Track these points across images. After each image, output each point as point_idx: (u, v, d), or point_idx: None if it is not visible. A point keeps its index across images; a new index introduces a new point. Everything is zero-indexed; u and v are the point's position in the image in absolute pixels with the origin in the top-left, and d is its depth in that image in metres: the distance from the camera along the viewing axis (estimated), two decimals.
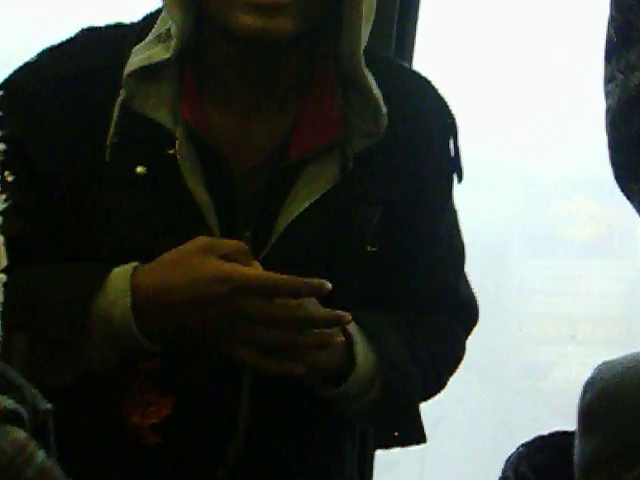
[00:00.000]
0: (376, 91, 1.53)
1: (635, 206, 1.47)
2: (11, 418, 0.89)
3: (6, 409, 0.89)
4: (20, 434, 0.88)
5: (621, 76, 1.46)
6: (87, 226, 1.53)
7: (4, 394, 0.90)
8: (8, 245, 1.23)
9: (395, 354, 1.57)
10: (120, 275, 1.45)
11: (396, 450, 1.82)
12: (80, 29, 1.62)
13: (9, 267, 1.21)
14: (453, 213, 1.68)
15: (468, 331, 1.68)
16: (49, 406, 0.94)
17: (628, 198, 1.47)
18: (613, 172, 1.49)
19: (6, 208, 1.25)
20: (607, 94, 1.48)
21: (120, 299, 1.45)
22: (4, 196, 1.27)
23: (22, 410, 0.91)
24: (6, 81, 1.56)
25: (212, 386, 1.54)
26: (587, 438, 1.71)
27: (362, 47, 1.55)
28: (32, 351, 1.45)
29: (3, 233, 1.23)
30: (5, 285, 1.24)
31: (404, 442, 1.64)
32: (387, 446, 1.71)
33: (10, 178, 1.36)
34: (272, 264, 1.49)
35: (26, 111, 1.55)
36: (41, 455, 0.88)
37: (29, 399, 0.93)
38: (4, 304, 1.22)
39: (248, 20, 1.47)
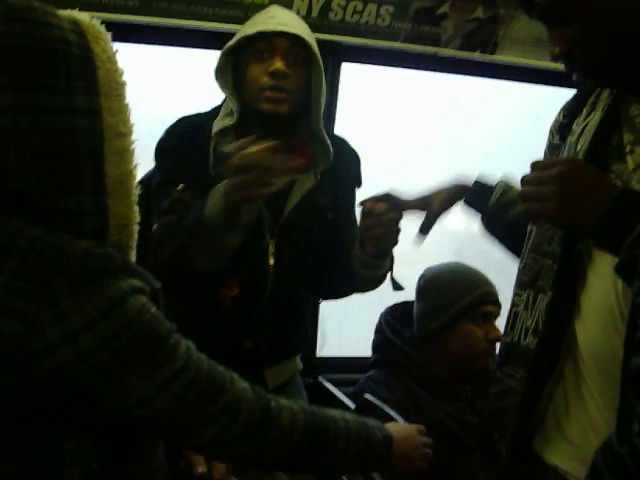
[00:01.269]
0: (328, 142, 1.67)
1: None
2: (139, 291, 0.91)
3: (137, 286, 0.90)
4: (143, 298, 0.91)
5: None
6: None
7: (135, 278, 0.91)
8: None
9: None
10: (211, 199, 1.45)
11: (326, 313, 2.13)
12: (182, 116, 1.69)
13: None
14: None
15: None
16: (159, 285, 0.95)
17: None
18: None
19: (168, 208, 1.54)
20: None
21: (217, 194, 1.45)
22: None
23: (145, 286, 0.92)
24: (159, 141, 1.65)
25: (255, 282, 1.65)
26: (418, 303, 1.93)
27: (321, 118, 1.66)
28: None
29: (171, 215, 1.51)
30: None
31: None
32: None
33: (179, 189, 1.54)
34: (285, 230, 1.64)
35: (167, 153, 1.63)
36: (154, 309, 0.91)
37: (150, 281, 0.93)
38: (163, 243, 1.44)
39: (267, 106, 1.57)
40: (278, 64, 1.55)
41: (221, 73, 1.60)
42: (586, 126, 1.16)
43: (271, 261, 1.66)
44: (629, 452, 0.75)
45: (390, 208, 1.51)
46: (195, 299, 1.64)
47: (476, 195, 1.44)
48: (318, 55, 1.61)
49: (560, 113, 1.28)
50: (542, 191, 0.99)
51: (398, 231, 1.55)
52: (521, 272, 1.23)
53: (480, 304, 1.86)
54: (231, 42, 1.58)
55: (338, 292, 1.81)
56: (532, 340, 1.16)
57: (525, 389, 1.16)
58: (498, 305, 1.88)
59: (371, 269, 1.63)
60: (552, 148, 1.27)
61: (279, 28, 1.56)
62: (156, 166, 1.65)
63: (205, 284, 1.60)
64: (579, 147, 1.15)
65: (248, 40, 1.57)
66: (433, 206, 1.46)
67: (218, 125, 1.63)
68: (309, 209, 1.68)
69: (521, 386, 1.17)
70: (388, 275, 1.68)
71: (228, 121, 1.62)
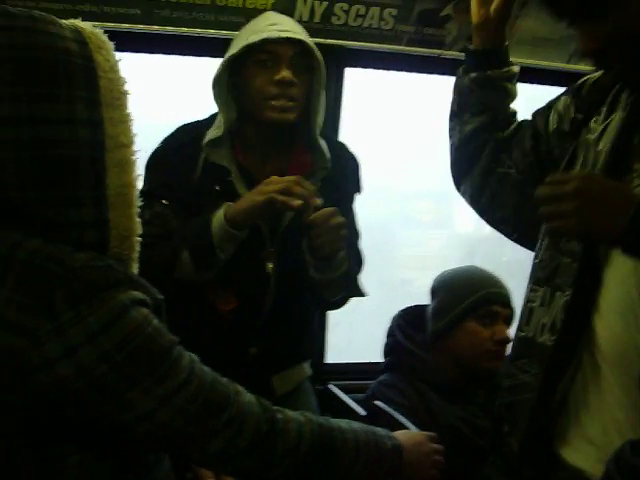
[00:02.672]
0: (325, 149, 1.64)
1: (465, 199, 1.50)
2: (140, 303, 0.89)
3: (138, 298, 0.89)
4: (145, 310, 0.89)
5: (458, 127, 1.46)
6: (195, 214, 1.56)
7: (137, 290, 0.90)
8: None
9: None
10: (218, 213, 1.51)
11: (336, 318, 2.10)
12: (181, 124, 1.68)
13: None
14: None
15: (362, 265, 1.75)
16: (162, 297, 0.94)
17: (460, 193, 1.51)
18: (453, 179, 1.51)
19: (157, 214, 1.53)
20: (450, 137, 1.49)
21: (218, 217, 1.50)
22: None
23: (147, 299, 0.91)
24: (154, 151, 1.63)
25: (254, 292, 1.63)
26: (432, 302, 1.89)
27: (319, 127, 1.64)
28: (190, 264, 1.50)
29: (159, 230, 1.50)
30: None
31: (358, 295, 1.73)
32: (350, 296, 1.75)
33: (161, 204, 1.54)
34: (284, 238, 1.63)
35: (158, 165, 1.60)
36: (156, 321, 0.90)
37: (151, 293, 0.92)
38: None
39: (273, 115, 1.55)
40: (284, 72, 1.53)
41: (218, 82, 1.57)
42: (607, 126, 1.16)
43: (271, 269, 1.63)
44: None
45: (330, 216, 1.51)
46: (193, 310, 1.60)
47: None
48: (322, 62, 1.58)
49: (570, 101, 1.27)
50: (562, 209, 0.99)
51: (343, 236, 1.55)
52: (537, 267, 1.22)
53: (486, 303, 1.83)
54: (233, 51, 1.55)
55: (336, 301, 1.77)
56: (549, 337, 1.15)
57: (541, 385, 1.15)
58: (508, 307, 1.85)
59: (322, 271, 1.61)
60: (557, 133, 1.28)
61: (283, 35, 1.53)
62: (145, 174, 1.60)
63: (197, 295, 1.59)
64: (601, 147, 1.15)
65: (250, 48, 1.54)
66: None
67: (209, 135, 1.62)
68: None
69: (537, 382, 1.16)
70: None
71: (217, 132, 1.60)
